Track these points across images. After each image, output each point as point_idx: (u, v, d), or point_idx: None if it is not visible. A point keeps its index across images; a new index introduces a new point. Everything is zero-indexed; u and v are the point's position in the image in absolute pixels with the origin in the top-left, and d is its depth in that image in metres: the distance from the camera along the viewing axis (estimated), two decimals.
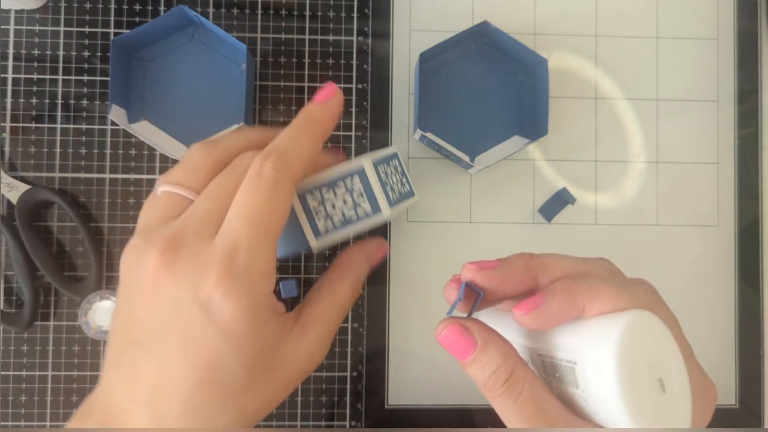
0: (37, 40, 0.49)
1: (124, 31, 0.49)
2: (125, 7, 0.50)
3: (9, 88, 0.49)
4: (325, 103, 0.34)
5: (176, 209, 0.30)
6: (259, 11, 0.50)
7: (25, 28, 0.49)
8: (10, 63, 0.49)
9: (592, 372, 0.24)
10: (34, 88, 0.49)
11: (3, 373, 0.48)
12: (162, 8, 0.50)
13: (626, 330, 0.23)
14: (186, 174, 0.32)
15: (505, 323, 0.30)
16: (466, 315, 0.28)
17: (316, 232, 0.33)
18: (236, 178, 0.30)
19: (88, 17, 0.49)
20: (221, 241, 0.28)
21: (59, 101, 0.49)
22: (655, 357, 0.24)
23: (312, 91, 0.50)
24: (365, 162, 0.33)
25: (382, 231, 0.50)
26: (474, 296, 0.27)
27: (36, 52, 0.49)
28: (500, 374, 0.25)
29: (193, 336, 0.27)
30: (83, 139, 0.49)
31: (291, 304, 0.48)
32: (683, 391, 0.25)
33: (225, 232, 0.28)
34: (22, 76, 0.49)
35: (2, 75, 0.49)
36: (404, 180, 0.37)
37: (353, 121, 0.50)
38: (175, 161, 0.49)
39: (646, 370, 0.24)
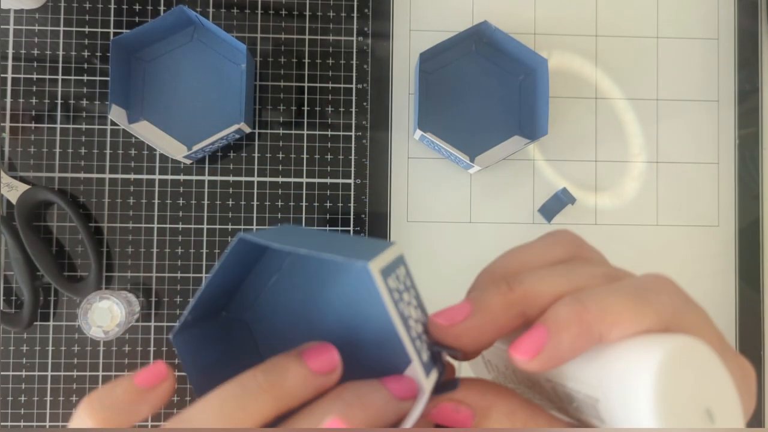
0: (36, 40, 0.49)
1: (124, 31, 0.49)
2: (125, 7, 0.49)
3: (9, 88, 0.49)
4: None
5: None
6: (259, 11, 0.50)
7: (24, 27, 0.49)
8: (10, 63, 0.49)
9: (623, 411, 0.19)
10: (34, 88, 0.49)
11: (3, 373, 0.48)
12: (162, 8, 0.50)
13: (664, 365, 0.19)
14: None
15: (501, 345, 0.25)
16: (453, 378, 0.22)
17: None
18: None
19: (87, 17, 0.49)
20: None
21: (59, 101, 0.49)
22: (701, 388, 0.20)
23: (312, 91, 0.50)
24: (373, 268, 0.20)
25: (382, 232, 0.50)
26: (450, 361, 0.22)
27: (36, 52, 0.49)
28: None
29: None
30: (83, 139, 0.49)
31: None
32: (735, 416, 0.21)
33: None
34: (22, 76, 0.49)
35: (2, 75, 0.49)
36: (415, 301, 0.22)
37: (353, 121, 0.50)
38: (175, 161, 0.49)
39: (691, 404, 0.20)
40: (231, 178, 0.50)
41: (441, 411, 0.21)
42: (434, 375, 0.21)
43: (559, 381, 0.22)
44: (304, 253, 0.21)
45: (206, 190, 0.49)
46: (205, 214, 0.49)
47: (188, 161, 0.49)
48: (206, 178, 0.49)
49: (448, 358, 0.22)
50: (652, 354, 0.19)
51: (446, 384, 0.22)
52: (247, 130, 0.48)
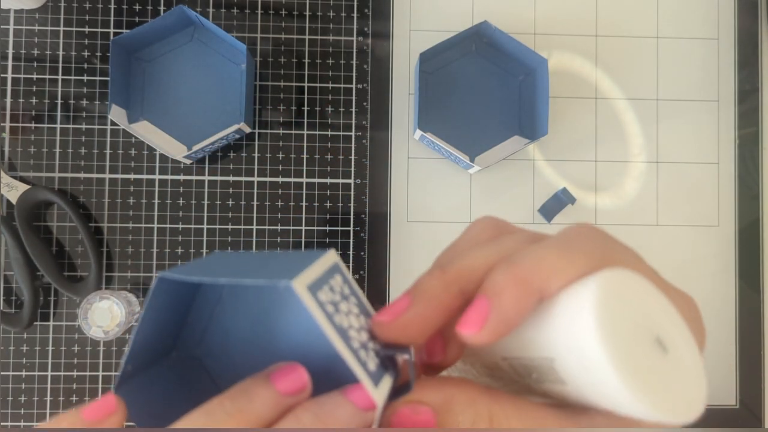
0: (36, 40, 0.49)
1: (124, 31, 0.49)
2: (125, 7, 0.49)
3: (9, 88, 0.49)
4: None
5: None
6: (259, 11, 0.50)
7: (24, 27, 0.49)
8: (10, 63, 0.49)
9: (577, 360, 0.19)
10: (34, 88, 0.49)
11: (3, 373, 0.48)
12: (162, 8, 0.50)
13: (599, 297, 0.19)
14: None
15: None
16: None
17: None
18: None
19: (87, 17, 0.49)
20: None
21: (59, 101, 0.49)
22: (642, 316, 0.20)
23: (312, 91, 0.50)
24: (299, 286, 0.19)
25: (382, 232, 0.50)
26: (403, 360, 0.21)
27: (36, 52, 0.49)
28: (480, 424, 0.20)
29: None
30: (83, 139, 0.49)
31: None
32: (687, 344, 0.21)
33: None
34: (22, 76, 0.49)
35: (2, 75, 0.49)
36: (356, 309, 0.21)
37: (353, 121, 0.50)
38: (175, 161, 0.49)
39: (640, 335, 0.20)
40: (231, 178, 0.50)
41: (400, 417, 0.21)
42: (387, 382, 0.21)
43: (515, 355, 0.22)
44: (225, 282, 0.20)
45: (206, 190, 0.49)
46: (205, 214, 0.49)
47: (188, 161, 0.49)
48: (206, 178, 0.49)
49: (405, 358, 0.22)
50: (587, 291, 0.19)
51: (401, 388, 0.21)
52: (247, 130, 0.48)
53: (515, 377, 0.23)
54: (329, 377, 0.22)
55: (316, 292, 0.19)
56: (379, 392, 0.20)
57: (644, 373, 0.19)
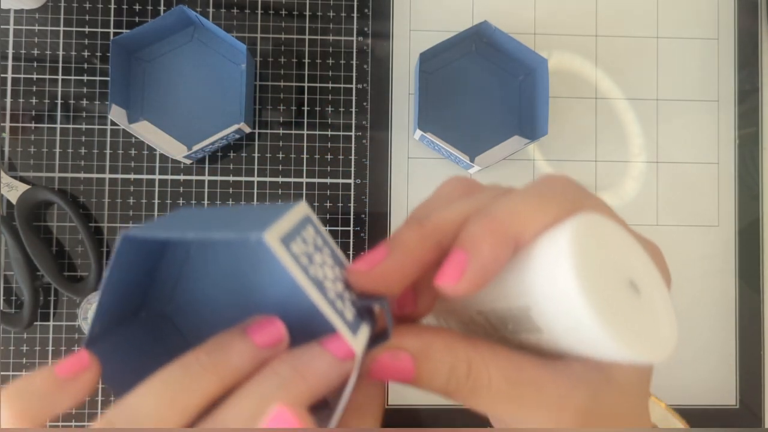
0: (36, 40, 0.49)
1: (124, 31, 0.49)
2: (125, 7, 0.49)
3: (9, 88, 0.49)
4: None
5: None
6: (259, 11, 0.50)
7: (24, 27, 0.49)
8: (10, 63, 0.49)
9: (554, 305, 0.19)
10: (34, 88, 0.49)
11: (3, 373, 0.48)
12: (162, 8, 0.50)
13: (575, 241, 0.19)
14: None
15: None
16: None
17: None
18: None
19: (87, 17, 0.49)
20: None
21: (59, 101, 0.49)
22: (615, 259, 0.20)
23: (312, 91, 0.50)
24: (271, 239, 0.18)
25: (382, 232, 0.50)
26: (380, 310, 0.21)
27: (36, 52, 0.49)
28: (458, 372, 0.21)
29: None
30: (83, 139, 0.49)
31: None
32: (658, 286, 0.21)
33: None
34: (22, 76, 0.49)
35: (2, 75, 0.49)
36: (330, 260, 0.21)
37: (353, 121, 0.50)
38: (175, 161, 0.49)
39: (613, 276, 0.20)
40: (231, 178, 0.50)
41: (380, 363, 0.21)
42: (365, 331, 0.20)
43: (490, 308, 0.22)
44: (192, 238, 0.19)
45: (206, 190, 0.49)
46: None
47: (188, 161, 0.49)
48: (206, 178, 0.49)
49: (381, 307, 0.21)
50: (563, 236, 0.19)
51: (379, 336, 0.21)
52: (247, 130, 0.48)
53: (490, 330, 0.23)
54: (306, 331, 0.21)
55: (289, 244, 0.19)
56: (357, 341, 0.20)
57: (620, 314, 0.19)
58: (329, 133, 0.50)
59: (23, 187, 0.47)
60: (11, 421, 0.20)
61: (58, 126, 0.49)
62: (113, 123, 0.49)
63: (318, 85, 0.50)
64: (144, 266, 0.23)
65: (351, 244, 0.50)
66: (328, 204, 0.50)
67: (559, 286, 0.19)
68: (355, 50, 0.51)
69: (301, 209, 0.20)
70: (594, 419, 0.21)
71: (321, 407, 0.22)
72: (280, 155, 0.50)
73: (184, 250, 0.24)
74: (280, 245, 0.18)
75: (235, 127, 0.46)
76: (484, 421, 0.52)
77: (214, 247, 0.23)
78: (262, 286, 0.23)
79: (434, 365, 0.21)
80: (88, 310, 0.47)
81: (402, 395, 0.50)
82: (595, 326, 0.18)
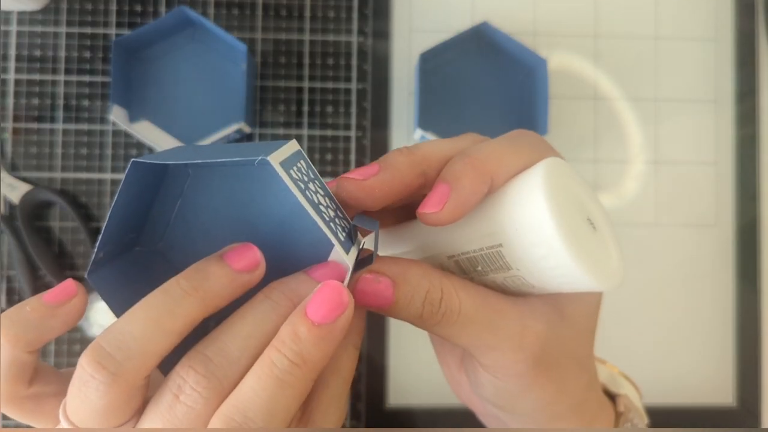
0: (38, 41, 0.49)
1: (125, 32, 0.49)
2: (126, 8, 0.50)
3: (11, 88, 0.49)
4: (331, 328, 0.21)
5: None
6: (259, 11, 0.50)
7: (27, 29, 0.49)
8: (12, 64, 0.49)
9: (526, 239, 0.21)
10: (36, 89, 0.49)
11: None
12: (163, 9, 0.50)
13: (547, 178, 0.21)
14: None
15: (398, 242, 0.27)
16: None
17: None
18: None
19: (89, 18, 0.50)
20: None
21: (61, 102, 0.49)
22: (577, 198, 0.23)
23: (312, 91, 0.51)
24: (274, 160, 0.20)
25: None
26: (368, 233, 0.23)
27: (38, 52, 0.49)
28: (433, 297, 0.22)
29: None
30: (84, 139, 0.49)
31: None
32: (608, 224, 0.24)
33: None
34: (24, 76, 0.49)
35: (4, 76, 0.49)
36: (322, 191, 0.23)
37: (353, 121, 0.51)
38: None
39: (577, 213, 0.22)
40: None
41: (362, 285, 0.22)
42: (354, 251, 0.22)
43: (461, 251, 0.24)
44: (200, 162, 0.21)
45: None
46: None
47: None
48: None
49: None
50: (537, 174, 0.21)
51: (363, 260, 0.23)
52: (248, 130, 0.48)
53: (460, 274, 0.25)
54: (296, 264, 0.23)
55: (288, 169, 0.20)
56: (350, 258, 0.22)
57: (584, 245, 0.21)
58: (329, 133, 0.50)
59: (25, 187, 0.48)
60: (6, 347, 0.21)
61: (60, 126, 0.49)
62: (114, 123, 0.49)
63: (318, 85, 0.51)
64: (143, 199, 0.24)
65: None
66: None
67: (534, 220, 0.21)
68: (355, 50, 0.51)
69: (294, 145, 0.22)
70: (549, 348, 0.23)
71: None
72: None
73: (180, 187, 0.25)
74: (281, 168, 0.20)
75: (235, 127, 0.46)
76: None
77: (211, 179, 0.24)
78: (255, 218, 0.25)
79: (411, 289, 0.22)
80: (88, 310, 0.48)
81: (402, 395, 0.50)
82: (565, 253, 0.20)
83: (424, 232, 0.26)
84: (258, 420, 0.20)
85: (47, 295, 0.22)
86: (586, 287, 0.22)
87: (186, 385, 0.20)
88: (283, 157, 0.21)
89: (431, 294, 0.22)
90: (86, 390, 0.19)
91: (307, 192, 0.21)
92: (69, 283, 0.22)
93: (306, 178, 0.22)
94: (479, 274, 0.24)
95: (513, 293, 0.24)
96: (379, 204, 0.23)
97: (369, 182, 0.22)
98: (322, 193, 0.22)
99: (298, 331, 0.20)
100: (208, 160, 0.20)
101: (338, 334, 0.21)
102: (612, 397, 0.31)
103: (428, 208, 0.21)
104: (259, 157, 0.19)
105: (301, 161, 0.22)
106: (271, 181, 0.23)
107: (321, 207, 0.21)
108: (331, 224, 0.21)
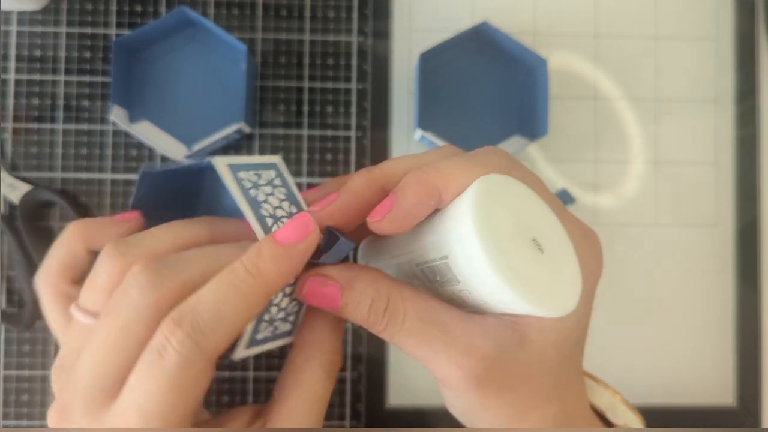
0: (38, 41, 0.49)
1: (126, 32, 0.49)
2: (126, 8, 0.50)
3: (11, 88, 0.49)
4: (291, 249, 0.23)
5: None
6: (260, 11, 0.50)
7: (27, 29, 0.49)
8: (12, 64, 0.49)
9: (463, 257, 0.21)
10: (36, 89, 0.49)
11: (4, 372, 0.48)
12: (163, 9, 0.50)
13: (476, 197, 0.21)
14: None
15: (377, 251, 0.28)
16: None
17: (253, 341, 0.25)
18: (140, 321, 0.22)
19: (89, 18, 0.50)
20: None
21: (61, 102, 0.49)
22: (521, 218, 0.22)
23: (312, 91, 0.51)
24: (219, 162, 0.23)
25: None
26: (332, 241, 0.24)
27: (38, 53, 0.49)
28: (377, 305, 0.23)
29: None
30: (85, 139, 0.49)
31: None
32: (564, 246, 0.23)
33: (113, 419, 0.21)
34: (24, 76, 0.49)
35: (4, 76, 0.49)
36: (287, 203, 0.25)
37: (353, 122, 0.50)
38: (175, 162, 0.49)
39: (515, 233, 0.22)
40: None
41: (311, 283, 0.24)
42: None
43: (423, 260, 0.24)
44: (162, 170, 0.28)
45: None
46: None
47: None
48: None
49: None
50: (467, 193, 0.22)
51: (335, 234, 0.24)
52: (247, 130, 0.48)
53: (427, 283, 0.26)
54: None
55: (237, 172, 0.23)
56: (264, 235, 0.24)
57: (521, 269, 0.21)
58: (329, 133, 0.50)
59: (25, 187, 0.48)
60: (75, 235, 0.27)
61: (60, 126, 0.49)
62: (114, 123, 0.49)
63: (318, 85, 0.51)
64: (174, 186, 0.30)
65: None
66: None
67: (464, 237, 0.21)
68: (355, 50, 0.51)
69: (274, 158, 0.26)
70: (499, 371, 0.23)
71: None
72: (280, 155, 0.50)
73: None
74: (225, 167, 0.23)
75: (235, 127, 0.46)
76: None
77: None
78: (218, 210, 0.30)
79: (357, 296, 0.23)
80: None
81: (402, 395, 0.50)
82: (494, 278, 0.20)
83: (393, 242, 0.27)
84: (206, 317, 0.21)
85: (116, 216, 0.26)
86: (524, 311, 0.22)
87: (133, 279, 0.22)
88: (239, 161, 0.24)
89: (376, 302, 0.23)
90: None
91: (250, 190, 0.23)
92: (130, 213, 0.27)
93: (263, 182, 0.24)
94: (440, 284, 0.24)
95: (472, 310, 0.24)
96: (345, 226, 0.25)
97: (327, 210, 0.24)
98: (282, 197, 0.24)
99: (261, 247, 0.22)
100: (171, 166, 0.25)
101: (296, 256, 0.23)
102: (609, 424, 0.30)
103: (373, 216, 0.23)
104: (206, 160, 0.23)
105: (272, 171, 0.25)
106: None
107: (265, 205, 0.23)
108: (268, 219, 0.23)
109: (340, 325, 0.26)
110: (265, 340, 0.25)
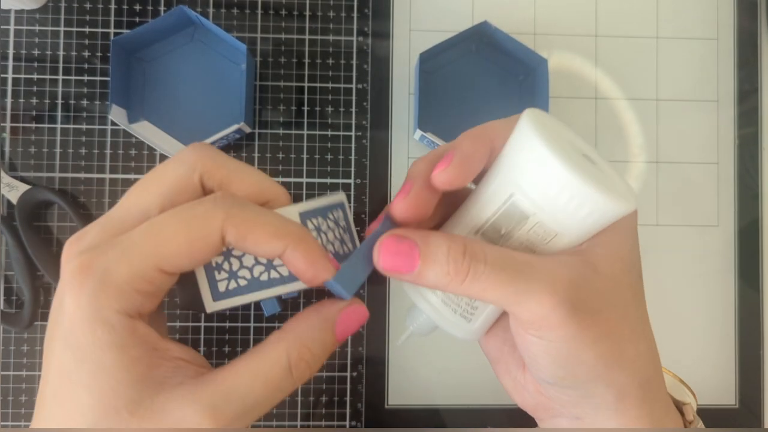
0: (37, 40, 0.49)
1: (125, 31, 0.49)
2: (125, 7, 0.50)
3: (9, 88, 0.49)
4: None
5: None
6: (259, 11, 0.50)
7: (25, 28, 0.49)
8: (11, 63, 0.49)
9: (532, 178, 0.23)
10: (35, 88, 0.49)
11: (3, 373, 0.48)
12: (162, 8, 0.50)
13: (531, 120, 0.23)
14: None
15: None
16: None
17: (216, 294, 0.24)
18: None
19: (88, 17, 0.49)
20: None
21: (59, 101, 0.49)
22: (568, 138, 0.25)
23: (312, 91, 0.50)
24: (290, 212, 0.26)
25: None
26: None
27: (36, 52, 0.49)
28: (455, 252, 0.23)
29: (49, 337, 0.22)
30: (83, 139, 0.49)
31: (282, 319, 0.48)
32: (607, 164, 0.26)
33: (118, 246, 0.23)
34: (23, 76, 0.49)
35: (3, 75, 0.49)
36: (347, 237, 0.28)
37: (353, 121, 0.50)
38: None
39: (571, 147, 0.24)
40: None
41: (386, 243, 0.24)
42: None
43: (483, 219, 0.25)
44: None
45: None
46: None
47: None
48: None
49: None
50: (523, 121, 0.24)
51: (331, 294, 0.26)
52: (247, 130, 0.48)
53: (497, 239, 0.26)
54: None
55: (305, 219, 0.26)
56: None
57: (589, 173, 0.22)
58: (329, 133, 0.50)
59: (24, 187, 0.48)
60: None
61: (59, 126, 0.49)
62: (113, 123, 0.49)
63: (318, 85, 0.50)
64: None
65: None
66: None
67: (533, 154, 0.23)
68: (355, 50, 0.51)
69: (338, 197, 0.29)
70: (586, 296, 0.23)
71: None
72: (280, 155, 0.50)
73: None
74: (297, 216, 0.26)
75: (235, 127, 0.46)
76: (484, 422, 0.52)
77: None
78: None
79: (434, 248, 0.24)
80: None
81: (402, 395, 0.50)
82: (570, 177, 0.22)
83: (452, 220, 0.27)
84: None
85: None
86: (605, 211, 0.23)
87: None
88: (310, 206, 0.27)
89: (453, 250, 0.24)
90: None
91: (317, 229, 0.26)
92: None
93: (328, 225, 0.27)
94: (505, 238, 0.25)
95: (541, 251, 0.25)
96: (424, 215, 0.26)
97: (404, 205, 0.26)
98: (340, 233, 0.28)
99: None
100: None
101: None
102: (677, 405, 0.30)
103: (438, 168, 0.24)
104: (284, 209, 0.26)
105: (338, 210, 0.28)
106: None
107: (324, 236, 0.26)
108: (328, 246, 0.26)
109: (326, 325, 0.25)
110: (238, 291, 0.25)
